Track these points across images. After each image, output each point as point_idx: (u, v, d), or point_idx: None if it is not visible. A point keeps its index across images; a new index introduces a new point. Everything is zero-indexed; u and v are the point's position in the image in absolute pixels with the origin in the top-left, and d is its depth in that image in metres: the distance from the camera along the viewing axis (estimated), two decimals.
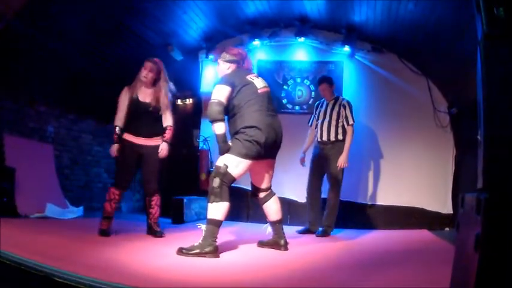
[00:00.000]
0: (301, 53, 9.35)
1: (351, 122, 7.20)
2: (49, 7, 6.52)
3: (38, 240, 4.60)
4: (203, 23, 8.64)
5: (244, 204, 9.22)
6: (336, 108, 7.25)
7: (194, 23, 8.55)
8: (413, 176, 8.61)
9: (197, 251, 4.49)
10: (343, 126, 7.19)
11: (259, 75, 9.26)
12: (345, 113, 7.21)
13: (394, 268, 4.27)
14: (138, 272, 3.58)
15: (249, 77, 5.15)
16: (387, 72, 8.88)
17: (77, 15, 6.94)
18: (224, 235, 5.79)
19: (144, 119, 5.94)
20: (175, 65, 9.25)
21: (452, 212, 8.21)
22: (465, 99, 7.34)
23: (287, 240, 5.34)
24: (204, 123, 9.56)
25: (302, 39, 9.03)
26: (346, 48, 8.92)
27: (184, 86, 9.89)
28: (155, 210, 6.04)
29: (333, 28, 8.96)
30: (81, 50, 7.73)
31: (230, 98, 4.94)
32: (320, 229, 6.96)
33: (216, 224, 4.67)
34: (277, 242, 5.29)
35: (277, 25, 9.13)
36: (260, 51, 9.44)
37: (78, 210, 7.77)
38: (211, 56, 9.10)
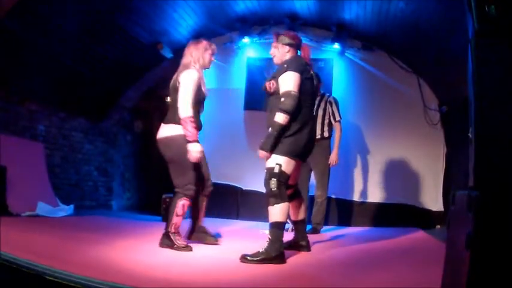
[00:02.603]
0: None
1: (338, 118, 7.19)
2: (40, 6, 6.48)
3: (29, 239, 4.57)
4: (193, 21, 8.62)
5: (234, 201, 9.22)
6: (322, 105, 7.22)
7: (184, 21, 8.53)
8: (404, 174, 8.62)
9: (263, 257, 4.24)
10: (329, 123, 7.17)
11: (249, 72, 9.35)
12: (332, 110, 7.19)
13: (384, 267, 4.27)
14: (131, 270, 3.56)
15: (309, 69, 4.85)
16: (377, 70, 8.88)
17: (68, 13, 6.91)
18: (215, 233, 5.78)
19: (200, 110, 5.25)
20: (165, 63, 9.23)
21: (443, 210, 8.22)
22: (456, 97, 7.35)
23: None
24: None
25: None
26: (336, 46, 8.90)
27: None
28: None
29: (323, 25, 8.94)
30: (72, 48, 7.69)
31: None
32: (309, 226, 6.95)
33: (280, 227, 4.44)
34: (298, 243, 5.12)
35: (267, 22, 9.11)
36: (250, 49, 9.41)
37: (69, 209, 7.73)
38: None
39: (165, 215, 7.88)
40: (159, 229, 5.39)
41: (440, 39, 6.86)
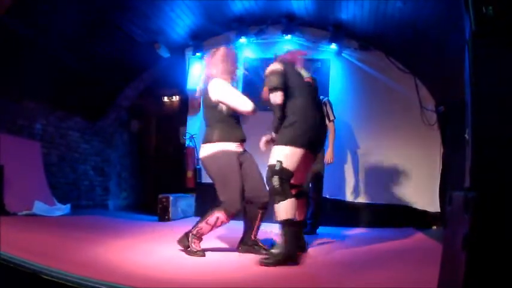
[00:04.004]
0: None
1: (331, 118, 7.24)
2: (38, 4, 6.48)
3: (26, 238, 4.57)
4: (190, 21, 8.61)
5: None
6: None
7: (181, 21, 8.52)
8: (401, 174, 8.61)
9: (280, 258, 4.18)
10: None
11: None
12: (325, 110, 7.22)
13: (380, 267, 4.27)
14: (127, 270, 3.57)
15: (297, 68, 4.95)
16: (374, 70, 8.87)
17: (66, 12, 6.90)
18: (211, 233, 5.77)
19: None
20: (162, 63, 9.23)
21: (439, 210, 8.22)
22: (453, 98, 7.35)
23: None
24: (191, 121, 9.52)
25: (289, 36, 8.99)
26: (333, 46, 8.90)
27: (171, 83, 9.88)
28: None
29: (320, 26, 8.94)
30: (69, 47, 7.69)
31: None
32: (306, 227, 6.95)
33: (292, 224, 4.39)
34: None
35: (264, 22, 9.11)
36: (247, 49, 9.40)
37: (66, 208, 7.73)
38: (198, 54, 9.10)
39: (162, 215, 7.94)
40: (155, 229, 5.41)
41: (437, 39, 6.87)
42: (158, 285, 3.21)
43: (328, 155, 7.06)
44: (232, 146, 4.86)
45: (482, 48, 2.07)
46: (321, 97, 7.43)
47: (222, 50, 5.18)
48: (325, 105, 7.25)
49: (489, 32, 2.06)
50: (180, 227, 5.49)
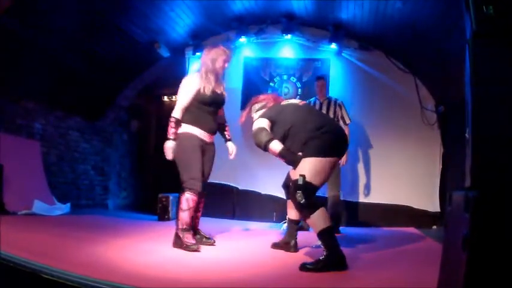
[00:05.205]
0: (287, 50, 9.34)
1: (348, 121, 7.36)
2: (37, 4, 6.47)
3: (26, 237, 4.56)
4: (190, 20, 8.61)
5: (230, 201, 9.22)
6: (332, 108, 7.36)
7: (181, 20, 8.52)
8: (401, 174, 8.62)
9: (323, 264, 4.08)
10: None
11: (246, 72, 9.35)
12: (341, 113, 7.31)
13: (380, 267, 4.27)
14: (127, 269, 3.57)
15: (283, 103, 4.95)
16: (374, 70, 8.88)
17: (65, 12, 6.89)
18: (211, 232, 5.77)
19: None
20: (162, 62, 9.23)
21: (439, 210, 8.23)
22: (452, 97, 7.35)
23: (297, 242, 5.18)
24: None
25: (289, 36, 9.00)
26: (333, 46, 8.91)
27: (171, 83, 9.87)
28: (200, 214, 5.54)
29: (320, 25, 8.94)
30: (69, 46, 7.68)
31: (274, 128, 4.66)
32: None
33: (328, 232, 4.30)
34: (288, 242, 5.13)
35: (263, 22, 9.12)
36: (246, 48, 9.42)
37: (66, 207, 7.73)
38: (198, 53, 9.11)
39: (161, 214, 7.94)
40: (155, 228, 5.41)
41: (437, 39, 6.87)
42: (159, 284, 3.21)
43: (344, 158, 7.13)
44: (198, 132, 5.17)
45: (483, 47, 2.07)
46: (333, 98, 7.50)
47: (207, 50, 5.41)
48: (340, 108, 7.33)
49: (490, 31, 2.05)
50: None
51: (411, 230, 7.73)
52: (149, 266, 3.82)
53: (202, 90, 5.15)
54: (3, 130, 7.17)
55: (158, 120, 10.84)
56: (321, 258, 4.14)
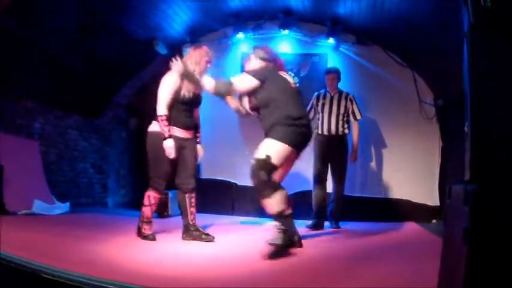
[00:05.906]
0: (285, 45, 9.30)
1: (358, 117, 7.36)
2: (35, 3, 6.46)
3: (26, 237, 4.56)
4: (187, 17, 8.59)
5: (229, 197, 9.21)
6: (343, 102, 7.33)
7: (178, 17, 8.50)
8: (400, 168, 8.62)
9: (280, 243, 4.27)
10: (347, 120, 7.27)
11: (244, 68, 9.36)
12: (352, 108, 7.28)
13: (381, 261, 4.28)
14: (128, 267, 3.57)
15: (281, 73, 5.04)
16: (372, 65, 8.87)
17: (63, 10, 6.88)
18: (210, 229, 5.78)
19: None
20: (160, 60, 9.21)
21: (439, 204, 8.23)
22: (451, 91, 7.35)
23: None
24: None
25: (286, 31, 8.99)
26: (331, 41, 8.91)
27: None
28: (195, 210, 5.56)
29: (317, 20, 8.92)
30: (67, 45, 7.65)
31: (260, 90, 4.81)
32: (330, 223, 7.28)
33: (285, 216, 4.41)
34: (291, 239, 4.88)
35: (261, 18, 9.10)
36: (244, 44, 9.39)
37: (65, 206, 7.72)
38: None
39: (161, 211, 7.95)
40: (154, 225, 5.40)
41: (435, 32, 6.86)
42: (159, 282, 3.20)
43: (355, 155, 7.15)
44: (173, 130, 5.26)
45: (481, 40, 2.07)
46: (344, 91, 7.47)
47: (191, 51, 5.57)
48: (351, 102, 7.31)
49: (487, 24, 2.05)
50: (180, 223, 5.49)
51: (410, 224, 7.73)
52: (150, 264, 3.82)
53: (182, 90, 5.26)
54: (3, 130, 7.16)
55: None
56: (270, 242, 4.28)
